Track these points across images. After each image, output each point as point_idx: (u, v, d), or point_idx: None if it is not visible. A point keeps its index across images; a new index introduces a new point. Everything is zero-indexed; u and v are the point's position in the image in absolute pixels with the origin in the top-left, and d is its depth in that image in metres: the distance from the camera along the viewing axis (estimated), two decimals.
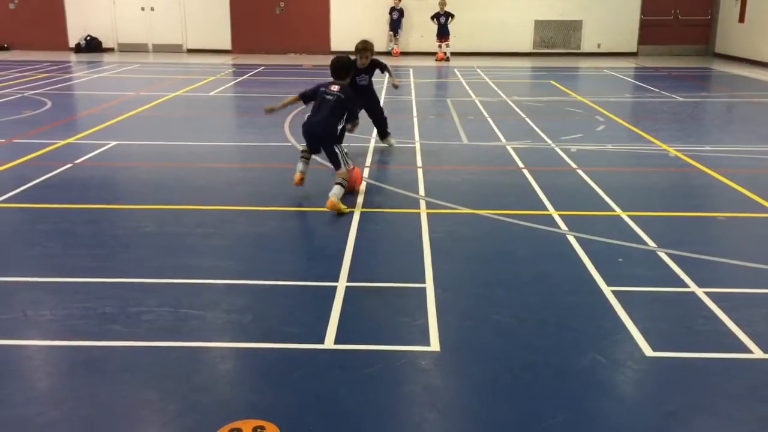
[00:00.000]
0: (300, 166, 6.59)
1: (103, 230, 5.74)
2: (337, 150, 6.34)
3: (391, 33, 20.76)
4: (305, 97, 6.71)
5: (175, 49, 21.51)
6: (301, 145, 6.91)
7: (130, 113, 10.95)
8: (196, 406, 3.34)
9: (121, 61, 19.10)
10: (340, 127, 6.62)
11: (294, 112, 11.00)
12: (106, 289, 4.59)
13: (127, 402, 3.38)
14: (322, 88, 6.55)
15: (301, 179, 6.54)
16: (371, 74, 8.39)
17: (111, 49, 21.46)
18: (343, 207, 6.10)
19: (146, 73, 16.61)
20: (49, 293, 4.56)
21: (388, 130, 8.76)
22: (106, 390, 3.46)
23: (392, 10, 20.59)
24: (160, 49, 21.54)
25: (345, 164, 6.32)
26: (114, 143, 8.81)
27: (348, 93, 6.56)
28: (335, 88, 6.50)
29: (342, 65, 6.71)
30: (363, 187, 6.78)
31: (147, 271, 4.88)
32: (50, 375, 3.67)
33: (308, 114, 6.69)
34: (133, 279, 4.75)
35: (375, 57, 8.31)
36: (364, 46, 8.08)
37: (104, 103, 12.00)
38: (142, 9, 21.29)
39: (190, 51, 21.45)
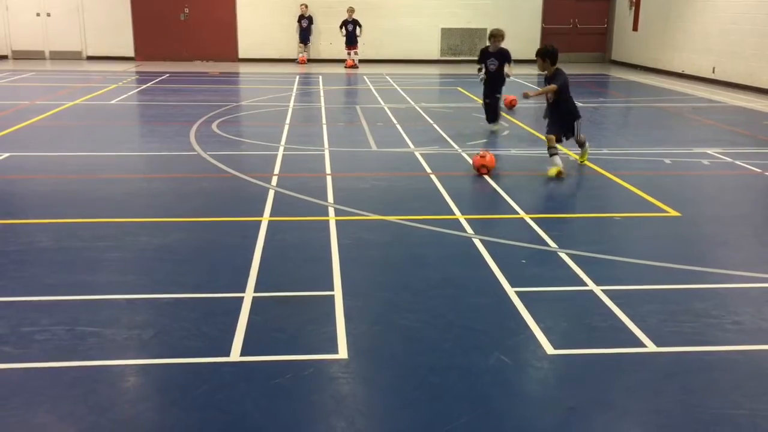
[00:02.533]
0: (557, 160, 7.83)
1: None
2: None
3: (300, 41, 20.65)
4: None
5: (74, 56, 20.68)
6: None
7: (25, 123, 10.44)
8: (94, 427, 3.21)
9: (15, 69, 18.20)
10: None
11: (200, 121, 10.77)
12: None
13: (19, 428, 3.20)
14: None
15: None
16: (501, 61, 10.07)
17: (4, 57, 20.42)
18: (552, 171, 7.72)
19: (42, 82, 15.90)
20: None
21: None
22: None
23: (301, 18, 20.49)
24: (57, 56, 20.67)
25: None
26: (7, 155, 8.38)
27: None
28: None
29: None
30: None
31: (41, 289, 4.65)
32: None
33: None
34: (25, 297, 4.52)
35: (503, 47, 10.06)
36: (496, 33, 10.18)
37: None
38: (38, 14, 20.37)
39: (90, 58, 20.68)
